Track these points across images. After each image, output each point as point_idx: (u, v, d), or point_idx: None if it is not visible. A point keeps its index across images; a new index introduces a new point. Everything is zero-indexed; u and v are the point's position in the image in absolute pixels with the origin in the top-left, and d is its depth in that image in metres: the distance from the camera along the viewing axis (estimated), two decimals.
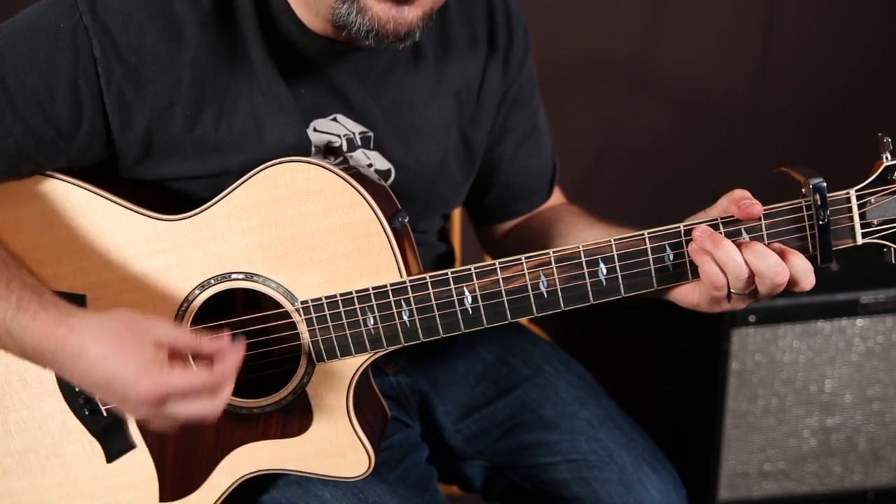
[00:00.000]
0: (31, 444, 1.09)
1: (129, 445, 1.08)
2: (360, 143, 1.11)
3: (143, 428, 1.08)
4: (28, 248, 1.03)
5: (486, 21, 1.19)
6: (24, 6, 1.00)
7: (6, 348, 0.96)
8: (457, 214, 1.70)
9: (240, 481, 1.09)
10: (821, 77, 2.21)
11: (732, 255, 0.94)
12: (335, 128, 1.10)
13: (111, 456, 1.08)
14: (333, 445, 1.07)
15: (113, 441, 1.08)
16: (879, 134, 0.97)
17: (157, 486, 1.09)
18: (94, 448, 1.08)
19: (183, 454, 1.08)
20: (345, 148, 1.11)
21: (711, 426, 1.89)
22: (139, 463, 1.09)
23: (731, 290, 0.96)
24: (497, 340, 1.35)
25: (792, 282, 0.95)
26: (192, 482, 1.09)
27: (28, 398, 1.07)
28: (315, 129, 1.08)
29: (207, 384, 0.91)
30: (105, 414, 1.07)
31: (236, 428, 1.07)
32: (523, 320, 1.72)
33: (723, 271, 0.95)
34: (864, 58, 2.19)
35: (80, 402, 1.06)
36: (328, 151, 1.10)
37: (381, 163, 1.13)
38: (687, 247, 0.97)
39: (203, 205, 1.02)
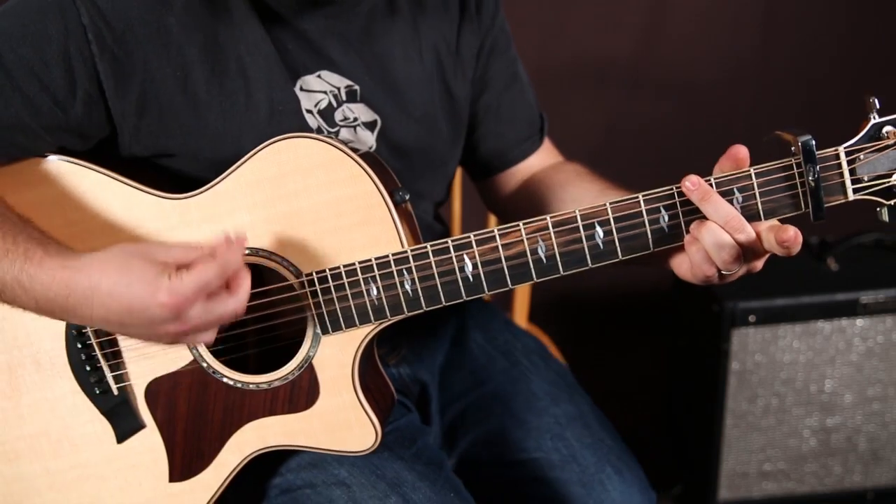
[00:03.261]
0: (44, 426, 1.10)
1: (139, 425, 1.10)
2: (345, 97, 1.14)
3: (152, 406, 1.09)
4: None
5: None
6: None
7: (22, 304, 0.98)
8: (457, 202, 1.72)
9: (248, 459, 1.10)
10: (820, 73, 2.21)
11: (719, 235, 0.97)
12: (321, 85, 1.13)
13: (121, 436, 1.10)
14: (340, 419, 1.08)
15: (123, 421, 1.09)
16: (866, 95, 1.00)
17: (167, 465, 1.10)
18: (105, 429, 1.10)
19: (192, 433, 1.09)
20: (334, 105, 1.14)
21: (711, 426, 1.89)
22: (149, 443, 1.10)
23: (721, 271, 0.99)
24: (483, 331, 1.36)
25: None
26: (202, 461, 1.10)
27: (40, 380, 1.09)
28: (302, 88, 1.12)
29: (219, 275, 0.92)
30: (115, 392, 1.09)
31: (244, 404, 1.09)
32: (523, 320, 1.75)
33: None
34: (861, 50, 2.19)
35: (91, 381, 1.08)
36: (324, 115, 1.13)
37: (367, 115, 1.16)
38: (680, 207, 1.00)
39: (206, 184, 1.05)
